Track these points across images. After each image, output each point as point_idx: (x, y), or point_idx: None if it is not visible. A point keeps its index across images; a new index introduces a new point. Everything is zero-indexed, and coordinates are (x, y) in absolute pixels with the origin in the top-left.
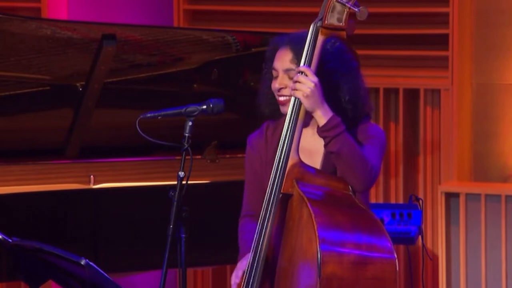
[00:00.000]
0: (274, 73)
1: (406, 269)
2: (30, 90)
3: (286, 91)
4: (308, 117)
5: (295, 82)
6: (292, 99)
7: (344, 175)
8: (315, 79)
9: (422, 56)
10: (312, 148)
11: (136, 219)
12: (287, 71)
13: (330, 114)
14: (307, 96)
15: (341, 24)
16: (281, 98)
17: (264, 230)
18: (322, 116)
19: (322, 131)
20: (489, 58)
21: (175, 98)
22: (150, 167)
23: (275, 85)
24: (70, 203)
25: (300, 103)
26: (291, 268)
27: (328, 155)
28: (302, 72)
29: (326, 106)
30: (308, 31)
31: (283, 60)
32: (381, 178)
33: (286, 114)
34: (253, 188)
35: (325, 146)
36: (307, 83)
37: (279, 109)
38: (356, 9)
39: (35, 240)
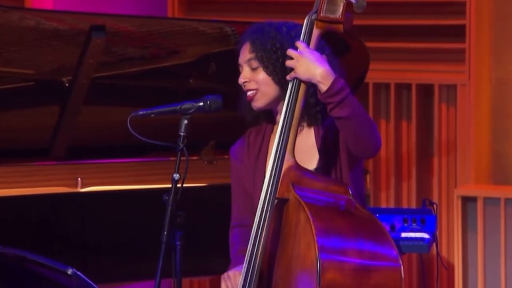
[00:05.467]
0: (240, 69)
1: (419, 280)
2: (13, 86)
3: (250, 85)
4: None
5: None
6: (286, 98)
7: (352, 141)
8: (303, 48)
9: (436, 49)
10: (303, 148)
11: (128, 226)
12: (248, 61)
13: (331, 77)
14: (298, 72)
15: (337, 16)
16: (249, 93)
17: (258, 238)
18: (321, 81)
19: (325, 97)
20: (509, 51)
21: (170, 94)
22: (143, 169)
23: (240, 79)
24: (56, 207)
25: (295, 102)
26: (288, 277)
27: (323, 156)
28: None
29: (325, 70)
30: (264, 22)
31: (244, 53)
32: (392, 180)
33: (263, 114)
34: (242, 199)
35: (330, 111)
36: (294, 55)
37: (260, 115)
38: (353, 1)
39: (19, 248)
